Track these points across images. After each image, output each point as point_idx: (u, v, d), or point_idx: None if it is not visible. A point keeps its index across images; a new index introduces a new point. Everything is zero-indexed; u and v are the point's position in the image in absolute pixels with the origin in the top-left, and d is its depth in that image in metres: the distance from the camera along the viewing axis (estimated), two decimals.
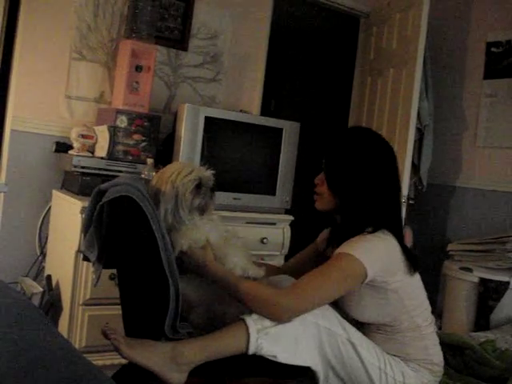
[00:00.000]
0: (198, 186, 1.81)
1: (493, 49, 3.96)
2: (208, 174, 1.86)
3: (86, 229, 1.78)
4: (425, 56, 3.58)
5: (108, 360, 2.65)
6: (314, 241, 2.15)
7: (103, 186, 1.73)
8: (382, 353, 1.80)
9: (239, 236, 1.94)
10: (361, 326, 1.84)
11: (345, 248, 1.73)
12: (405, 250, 1.80)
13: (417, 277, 1.86)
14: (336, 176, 1.87)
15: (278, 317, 1.64)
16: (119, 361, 1.84)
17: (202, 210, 1.84)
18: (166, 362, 1.59)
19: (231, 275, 1.74)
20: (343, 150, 1.89)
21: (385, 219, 1.82)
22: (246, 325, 1.64)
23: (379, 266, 1.72)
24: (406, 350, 1.83)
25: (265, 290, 1.69)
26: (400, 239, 1.81)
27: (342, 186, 1.85)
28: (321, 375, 1.73)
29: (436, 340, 1.91)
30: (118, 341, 1.58)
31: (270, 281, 1.94)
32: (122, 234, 1.75)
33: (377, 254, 1.73)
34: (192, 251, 1.75)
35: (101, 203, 1.69)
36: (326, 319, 1.70)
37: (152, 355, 1.59)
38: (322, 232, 2.13)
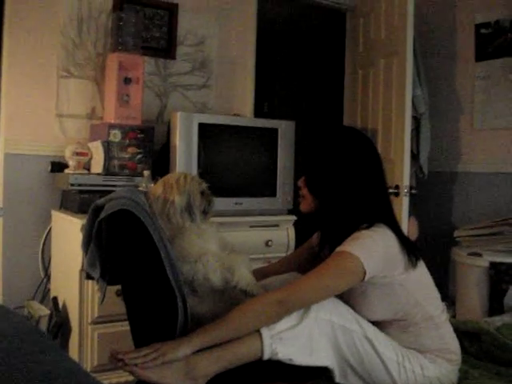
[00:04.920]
0: (201, 191, 1.91)
1: (482, 30, 3.93)
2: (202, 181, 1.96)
3: (85, 246, 1.76)
4: (414, 43, 3.55)
5: (122, 377, 2.62)
6: (307, 241, 2.15)
7: (99, 201, 1.71)
8: (399, 347, 1.78)
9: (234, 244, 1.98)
10: (374, 322, 1.81)
11: (342, 247, 1.72)
12: (403, 240, 1.79)
13: (421, 266, 1.84)
14: (314, 179, 1.89)
15: (272, 310, 1.65)
16: (133, 378, 1.81)
17: (205, 213, 1.91)
18: (181, 377, 1.58)
19: (216, 327, 1.65)
20: (319, 152, 1.90)
21: (375, 214, 1.81)
22: (259, 331, 1.63)
23: (378, 261, 1.71)
24: (422, 342, 1.82)
25: (255, 298, 1.71)
26: (397, 230, 1.80)
27: (321, 188, 1.86)
28: (338, 374, 1.72)
29: (450, 328, 1.89)
30: (129, 365, 1.55)
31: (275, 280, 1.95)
32: (124, 248, 1.73)
33: (375, 249, 1.71)
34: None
35: (99, 219, 1.67)
36: (339, 316, 1.70)
37: (166, 372, 1.56)
38: (315, 234, 2.12)
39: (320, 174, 1.87)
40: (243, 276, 1.77)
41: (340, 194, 1.82)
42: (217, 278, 1.76)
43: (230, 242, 1.94)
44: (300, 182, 1.94)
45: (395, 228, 1.81)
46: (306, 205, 1.92)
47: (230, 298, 1.81)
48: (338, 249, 1.73)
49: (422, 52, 3.98)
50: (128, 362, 1.54)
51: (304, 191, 1.91)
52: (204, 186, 1.93)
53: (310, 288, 1.69)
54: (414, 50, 3.58)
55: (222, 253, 1.85)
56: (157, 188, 1.89)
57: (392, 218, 1.86)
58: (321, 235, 2.04)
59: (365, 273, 1.68)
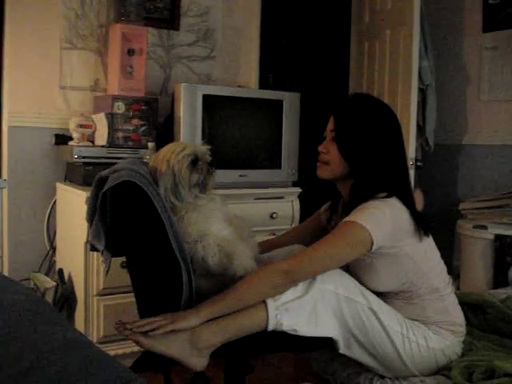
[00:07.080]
0: (194, 162, 1.76)
1: (490, 0, 3.87)
2: (203, 148, 1.81)
3: (90, 218, 1.76)
4: (421, 13, 3.50)
5: (128, 348, 2.65)
6: (315, 213, 2.14)
7: (103, 173, 1.70)
8: (403, 318, 1.79)
9: (239, 217, 1.90)
10: (379, 293, 1.82)
11: (350, 217, 1.73)
12: (414, 213, 1.78)
13: (428, 239, 1.84)
14: (348, 142, 1.83)
15: (279, 280, 1.64)
16: (139, 348, 1.83)
17: (203, 187, 1.79)
18: (186, 347, 1.58)
19: (223, 298, 1.65)
20: (352, 115, 1.86)
21: (394, 184, 1.81)
22: (264, 302, 1.64)
23: (385, 231, 1.71)
24: (427, 314, 1.82)
25: (262, 269, 1.69)
26: (409, 203, 1.79)
27: (355, 152, 1.82)
28: (342, 345, 1.73)
29: (455, 300, 1.90)
30: (135, 334, 1.55)
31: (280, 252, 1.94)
32: (128, 220, 1.72)
33: (382, 220, 1.71)
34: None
35: (103, 191, 1.66)
36: (345, 288, 1.70)
37: (172, 343, 1.57)
38: (323, 206, 2.11)
39: (354, 135, 1.82)
40: (242, 265, 1.70)
41: (372, 156, 1.80)
42: (214, 263, 1.70)
43: (237, 216, 1.88)
44: (322, 148, 1.88)
45: (408, 199, 1.80)
46: (328, 170, 1.86)
47: (230, 280, 1.75)
48: (346, 219, 1.73)
49: (429, 22, 3.92)
50: (135, 330, 1.55)
51: (328, 156, 1.86)
52: (203, 154, 1.78)
53: (317, 257, 1.69)
54: (421, 21, 3.53)
55: (226, 229, 1.78)
56: (151, 162, 1.81)
57: (408, 188, 1.87)
58: (333, 203, 2.03)
59: (372, 243, 1.68)
